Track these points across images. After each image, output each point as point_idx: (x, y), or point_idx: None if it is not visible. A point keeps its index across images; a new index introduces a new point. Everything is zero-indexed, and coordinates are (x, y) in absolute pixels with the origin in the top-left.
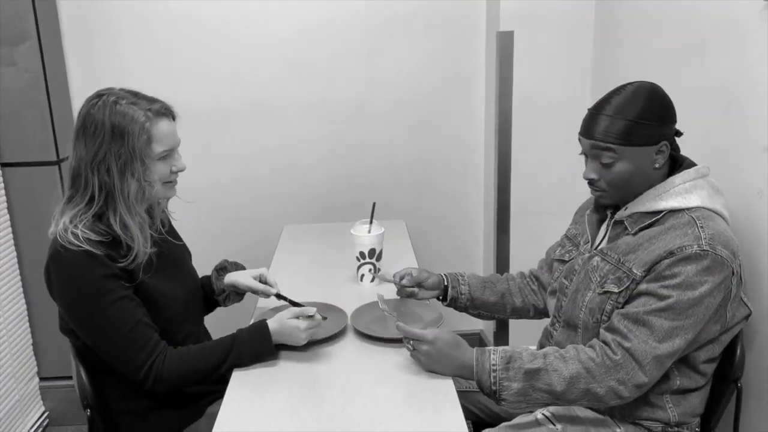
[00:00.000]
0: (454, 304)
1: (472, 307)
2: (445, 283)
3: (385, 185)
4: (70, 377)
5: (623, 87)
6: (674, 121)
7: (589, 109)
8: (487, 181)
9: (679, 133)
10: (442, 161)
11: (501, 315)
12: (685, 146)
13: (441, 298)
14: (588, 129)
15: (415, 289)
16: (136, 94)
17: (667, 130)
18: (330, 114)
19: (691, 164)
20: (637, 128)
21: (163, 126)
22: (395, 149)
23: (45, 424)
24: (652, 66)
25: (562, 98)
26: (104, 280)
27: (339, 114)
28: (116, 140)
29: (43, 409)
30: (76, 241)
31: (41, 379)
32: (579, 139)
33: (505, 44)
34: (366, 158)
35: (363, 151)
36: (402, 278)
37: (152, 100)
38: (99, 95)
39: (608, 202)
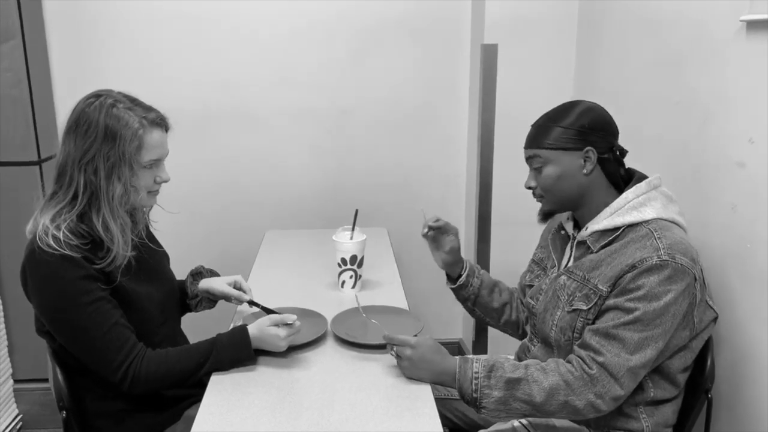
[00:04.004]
0: (459, 290)
1: (473, 302)
2: (461, 271)
3: (368, 193)
4: (45, 380)
5: (562, 103)
6: (604, 131)
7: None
8: (468, 190)
9: (618, 148)
10: (425, 170)
11: (492, 322)
12: (661, 159)
13: (449, 278)
14: (526, 140)
15: (433, 243)
16: (133, 101)
17: (592, 138)
18: (314, 121)
19: (642, 176)
20: (558, 133)
21: (155, 135)
22: (379, 157)
23: (18, 427)
24: (632, 80)
25: (545, 110)
26: (81, 281)
27: (323, 121)
28: (107, 142)
29: (16, 411)
30: (55, 245)
31: (15, 381)
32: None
33: (489, 56)
34: (349, 166)
35: (346, 158)
36: (437, 221)
37: (149, 109)
38: (97, 95)
39: (547, 208)
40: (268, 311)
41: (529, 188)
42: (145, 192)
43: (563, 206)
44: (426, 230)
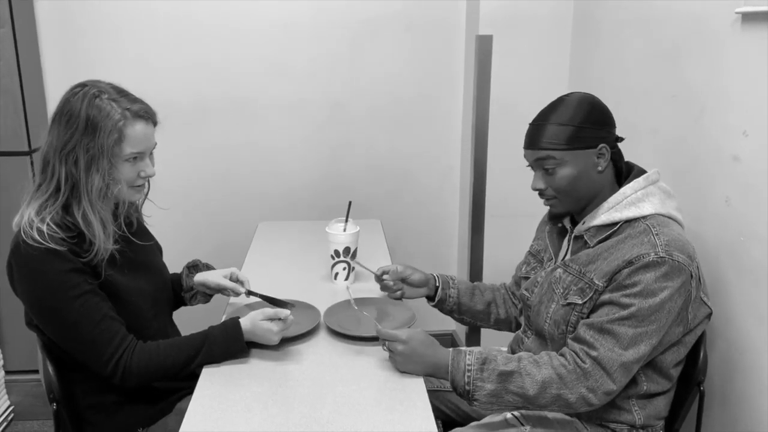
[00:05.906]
0: (441, 305)
1: (458, 311)
2: (437, 284)
3: (361, 184)
4: (37, 371)
5: (560, 98)
6: (611, 125)
7: (529, 123)
8: (462, 182)
9: (619, 139)
10: (419, 162)
11: (484, 324)
12: (656, 153)
13: (428, 298)
14: (528, 140)
15: (402, 290)
16: (120, 92)
17: (604, 134)
18: (308, 113)
19: (640, 171)
20: (572, 132)
21: (138, 128)
22: (373, 149)
23: (10, 418)
24: (628, 72)
25: (539, 102)
26: (68, 274)
27: (318, 113)
28: (88, 133)
29: (8, 403)
30: (39, 238)
31: (6, 372)
32: (524, 154)
33: (483, 48)
34: (343, 157)
35: (340, 150)
36: (383, 273)
37: (134, 101)
38: (83, 85)
39: (560, 210)
40: (268, 299)
41: (537, 190)
42: (126, 186)
43: (577, 206)
44: (384, 286)
